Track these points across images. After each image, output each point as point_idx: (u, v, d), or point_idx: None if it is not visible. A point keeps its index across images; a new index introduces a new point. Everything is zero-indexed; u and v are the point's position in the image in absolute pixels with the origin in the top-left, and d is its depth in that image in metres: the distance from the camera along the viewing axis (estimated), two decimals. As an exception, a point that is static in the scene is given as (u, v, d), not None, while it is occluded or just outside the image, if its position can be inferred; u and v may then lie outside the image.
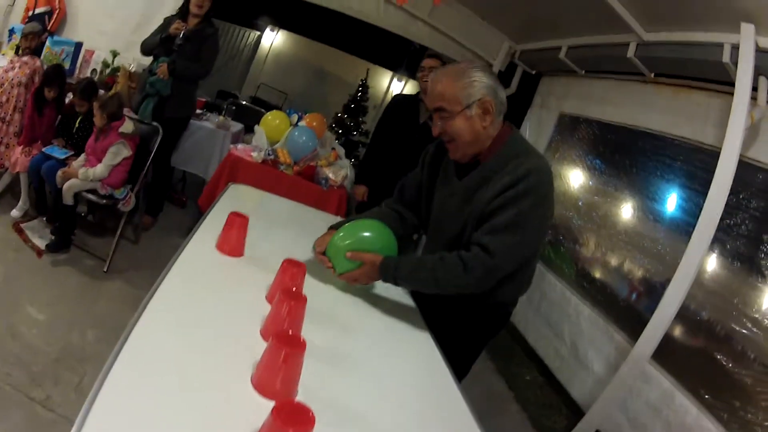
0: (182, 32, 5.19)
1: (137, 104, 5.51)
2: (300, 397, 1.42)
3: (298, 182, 5.15)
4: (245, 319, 1.79)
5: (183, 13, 5.33)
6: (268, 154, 5.24)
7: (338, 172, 5.33)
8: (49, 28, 6.85)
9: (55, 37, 6.49)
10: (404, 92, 4.71)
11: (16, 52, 5.57)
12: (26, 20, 6.82)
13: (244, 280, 2.13)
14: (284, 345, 1.38)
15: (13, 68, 5.07)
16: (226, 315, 1.80)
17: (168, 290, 1.74)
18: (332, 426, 1.38)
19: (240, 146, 5.52)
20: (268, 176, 5.08)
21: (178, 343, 1.50)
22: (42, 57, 5.82)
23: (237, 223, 2.27)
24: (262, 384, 1.40)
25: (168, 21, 5.40)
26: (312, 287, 2.16)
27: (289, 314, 1.62)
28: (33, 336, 3.45)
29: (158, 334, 1.50)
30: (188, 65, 5.27)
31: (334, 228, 2.60)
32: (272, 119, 5.87)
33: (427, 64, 4.65)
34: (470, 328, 2.67)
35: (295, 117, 5.96)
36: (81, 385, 3.18)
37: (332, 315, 2.17)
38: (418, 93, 5.03)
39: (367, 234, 2.49)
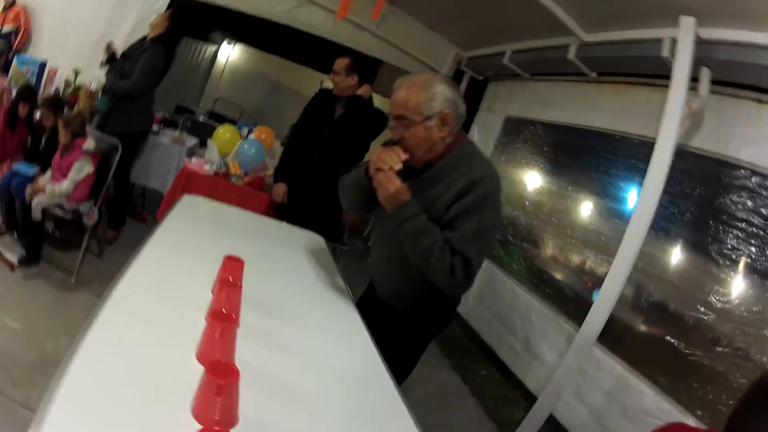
0: (110, 53, 5.46)
1: None
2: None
3: (248, 192, 5.36)
4: (188, 302, 1.95)
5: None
6: (220, 167, 5.43)
7: (285, 181, 5.51)
8: (15, 46, 6.98)
9: (21, 57, 6.62)
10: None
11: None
12: (-6, 39, 6.94)
13: (190, 270, 2.29)
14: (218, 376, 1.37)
15: (-21, 88, 5.01)
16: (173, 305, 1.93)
17: (122, 294, 1.85)
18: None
19: (194, 160, 5.68)
20: (220, 187, 5.27)
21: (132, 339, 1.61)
22: (9, 76, 5.94)
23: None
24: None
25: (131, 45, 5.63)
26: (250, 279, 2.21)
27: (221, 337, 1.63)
28: (10, 343, 3.61)
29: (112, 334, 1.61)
30: (116, 83, 5.41)
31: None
32: (223, 133, 6.07)
33: (335, 67, 4.61)
34: (417, 324, 2.80)
35: (245, 130, 6.18)
36: (57, 387, 3.37)
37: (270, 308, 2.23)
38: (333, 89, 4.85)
39: None
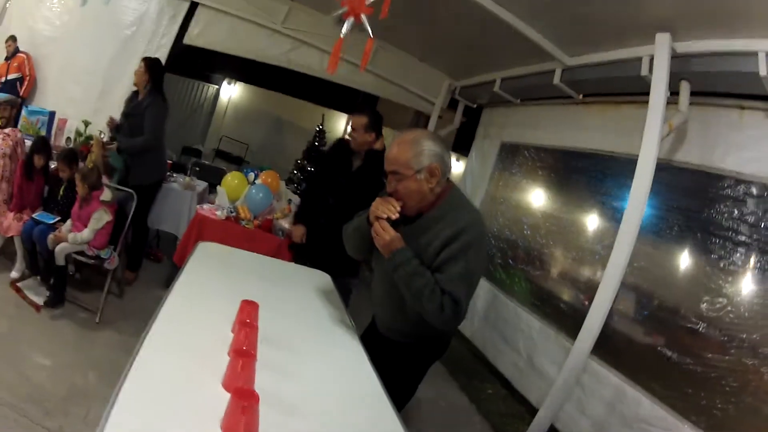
0: (114, 126, 5.79)
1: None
2: None
3: (257, 235, 5.64)
4: (212, 340, 2.23)
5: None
6: (230, 212, 5.73)
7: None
8: (21, 94, 7.30)
9: (30, 107, 6.87)
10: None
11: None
12: (-1, 87, 7.25)
13: (211, 311, 2.56)
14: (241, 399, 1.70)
15: (-4, 140, 5.40)
16: (196, 338, 2.22)
17: (157, 335, 2.11)
18: None
19: (206, 206, 6.00)
20: (231, 231, 5.55)
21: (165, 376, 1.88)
22: (19, 126, 6.18)
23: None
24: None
25: (126, 101, 5.94)
26: (265, 318, 2.50)
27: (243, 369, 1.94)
28: (42, 378, 3.86)
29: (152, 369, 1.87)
30: (130, 142, 5.69)
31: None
32: (231, 180, 6.40)
33: (353, 124, 4.80)
34: (413, 355, 3.06)
35: (251, 176, 6.46)
36: (88, 417, 3.58)
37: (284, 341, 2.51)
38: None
39: None
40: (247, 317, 2.37)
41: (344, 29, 4.18)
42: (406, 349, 3.03)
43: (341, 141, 5.23)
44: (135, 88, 5.89)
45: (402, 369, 2.98)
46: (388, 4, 3.93)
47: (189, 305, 2.60)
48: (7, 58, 7.49)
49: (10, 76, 7.43)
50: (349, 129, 4.95)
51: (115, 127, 5.79)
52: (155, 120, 5.72)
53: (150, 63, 5.82)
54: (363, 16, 4.06)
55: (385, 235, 2.69)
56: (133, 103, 5.79)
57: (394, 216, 2.71)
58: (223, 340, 2.24)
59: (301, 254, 5.05)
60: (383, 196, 2.83)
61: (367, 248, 3.01)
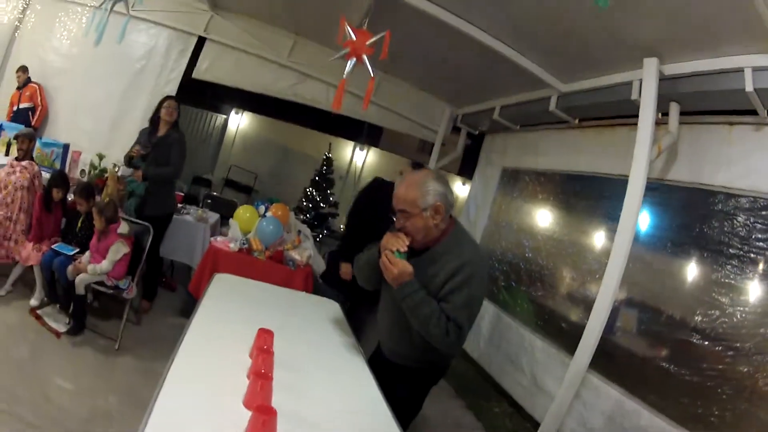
0: (140, 155, 5.92)
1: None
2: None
3: (269, 266, 5.83)
4: (232, 365, 2.44)
5: (155, 121, 6.02)
6: (243, 244, 5.94)
7: (303, 253, 6.07)
8: (33, 124, 7.47)
9: (44, 139, 6.94)
10: (384, 178, 5.08)
11: (7, 152, 6.13)
12: (11, 115, 7.52)
13: (229, 339, 2.77)
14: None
15: (14, 172, 5.58)
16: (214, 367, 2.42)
17: (182, 360, 2.35)
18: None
19: (219, 239, 6.21)
20: (244, 262, 5.74)
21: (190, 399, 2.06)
22: (33, 157, 6.22)
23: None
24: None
25: (142, 132, 6.11)
26: (281, 344, 2.72)
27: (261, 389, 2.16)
28: (64, 401, 4.01)
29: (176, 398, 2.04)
30: (159, 171, 5.92)
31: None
32: (243, 213, 6.65)
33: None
34: (416, 377, 3.27)
35: (262, 208, 6.67)
36: (111, 437, 3.80)
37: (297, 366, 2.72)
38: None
39: None
40: (264, 344, 2.57)
41: (347, 69, 4.37)
42: (410, 372, 3.23)
43: (381, 181, 5.55)
44: (149, 122, 6.10)
45: (406, 390, 3.19)
46: (387, 45, 4.14)
47: (209, 334, 2.81)
48: (18, 88, 7.67)
49: (22, 105, 7.62)
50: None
51: (140, 157, 5.97)
52: (180, 152, 6.00)
53: (178, 102, 6.10)
54: (364, 56, 4.26)
55: (394, 267, 2.88)
56: (153, 136, 6.01)
57: (403, 249, 2.92)
58: (242, 365, 2.46)
59: (344, 289, 5.34)
60: (393, 232, 3.05)
61: (377, 279, 3.20)
